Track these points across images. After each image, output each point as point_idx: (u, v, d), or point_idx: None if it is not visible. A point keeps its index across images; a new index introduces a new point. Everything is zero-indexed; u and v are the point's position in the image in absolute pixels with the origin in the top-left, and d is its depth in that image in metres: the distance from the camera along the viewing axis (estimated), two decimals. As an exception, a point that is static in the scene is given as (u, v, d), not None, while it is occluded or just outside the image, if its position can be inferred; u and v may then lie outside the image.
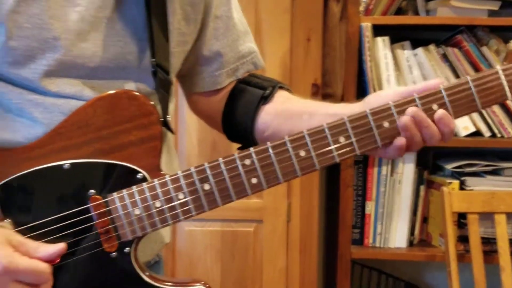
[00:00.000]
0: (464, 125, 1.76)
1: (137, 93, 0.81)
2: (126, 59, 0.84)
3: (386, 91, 0.83)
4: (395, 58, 1.80)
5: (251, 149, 0.79)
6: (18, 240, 0.74)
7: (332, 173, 1.97)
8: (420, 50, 1.80)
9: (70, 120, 0.79)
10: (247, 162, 0.78)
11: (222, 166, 0.78)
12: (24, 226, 0.77)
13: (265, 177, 0.79)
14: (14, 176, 0.78)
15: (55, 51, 0.79)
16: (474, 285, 1.66)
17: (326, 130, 0.78)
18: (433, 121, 0.78)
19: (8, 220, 0.78)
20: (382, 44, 1.78)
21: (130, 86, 0.85)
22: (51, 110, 0.80)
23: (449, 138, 0.80)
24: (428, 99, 0.78)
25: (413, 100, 0.78)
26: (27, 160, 0.78)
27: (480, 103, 0.79)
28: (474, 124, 1.78)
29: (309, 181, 1.75)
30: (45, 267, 0.73)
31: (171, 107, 0.91)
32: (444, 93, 0.78)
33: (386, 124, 0.78)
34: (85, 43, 0.80)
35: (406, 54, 1.81)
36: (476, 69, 1.78)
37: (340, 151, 0.79)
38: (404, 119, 0.78)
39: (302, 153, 0.79)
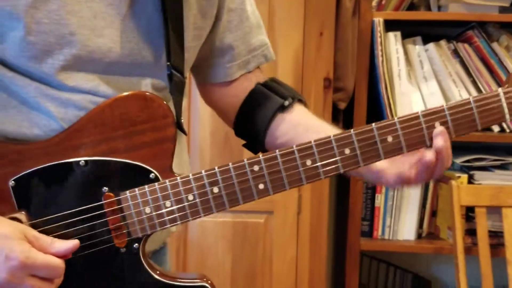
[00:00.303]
0: (473, 120, 1.84)
1: (154, 95, 0.85)
2: (142, 55, 0.88)
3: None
4: (406, 53, 1.89)
5: (260, 156, 0.84)
6: (33, 235, 0.78)
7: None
8: (431, 46, 1.88)
9: (87, 118, 0.84)
10: (256, 168, 0.83)
11: (232, 171, 0.83)
12: (38, 220, 0.82)
13: (272, 183, 0.84)
14: (30, 170, 0.82)
15: (71, 46, 0.83)
16: (481, 277, 1.73)
17: (333, 142, 0.84)
18: (431, 138, 0.84)
19: (23, 212, 0.82)
20: (393, 39, 1.87)
21: (146, 82, 0.89)
22: (66, 105, 0.84)
23: (448, 160, 0.84)
24: (431, 117, 0.83)
25: (417, 117, 0.83)
26: (43, 155, 0.83)
27: (480, 123, 0.84)
28: (484, 119, 1.86)
29: (320, 173, 1.83)
30: (60, 262, 0.78)
31: (184, 101, 0.95)
32: (447, 111, 0.83)
33: (390, 138, 0.83)
34: (101, 39, 0.84)
35: (417, 49, 1.89)
36: (487, 64, 1.87)
37: (344, 163, 0.84)
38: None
39: (309, 163, 0.84)
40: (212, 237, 1.85)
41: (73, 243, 0.80)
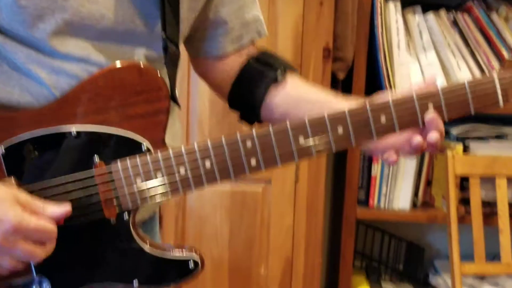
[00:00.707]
0: (470, 91, 1.92)
1: (149, 66, 0.86)
2: (136, 24, 0.89)
3: (387, 94, 0.90)
4: (405, 23, 1.94)
5: (254, 132, 0.86)
6: (25, 199, 0.79)
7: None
8: (431, 16, 1.93)
9: (80, 87, 0.84)
10: (249, 144, 0.85)
11: (224, 145, 0.85)
12: (27, 188, 0.83)
13: (264, 159, 0.86)
14: (21, 138, 0.83)
15: (63, 11, 0.83)
16: (474, 245, 1.83)
17: (327, 120, 0.86)
18: (423, 119, 0.87)
19: (12, 178, 0.83)
20: (393, 8, 1.92)
21: (139, 52, 0.90)
22: (58, 72, 0.85)
23: (442, 137, 0.87)
24: (426, 99, 0.86)
25: (411, 99, 0.86)
26: (35, 123, 0.84)
27: (474, 107, 0.86)
28: (481, 90, 1.94)
29: (318, 143, 1.89)
30: (53, 227, 0.79)
31: (181, 73, 0.99)
32: (441, 94, 0.86)
33: (383, 119, 0.86)
34: (95, 5, 0.85)
35: (417, 19, 1.94)
36: (485, 36, 1.93)
37: (337, 141, 0.86)
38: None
39: (301, 140, 0.85)
40: (210, 206, 1.92)
41: (66, 208, 0.81)
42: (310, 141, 0.86)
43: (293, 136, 0.85)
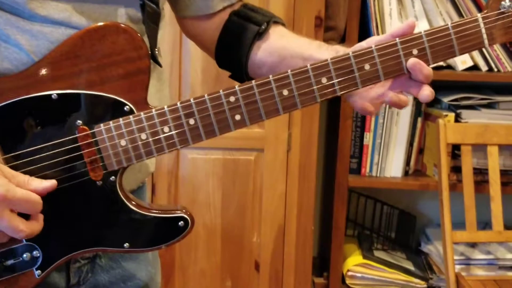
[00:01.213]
0: (462, 59, 1.96)
1: (127, 26, 0.85)
2: None
3: (368, 41, 0.90)
4: (398, -9, 1.98)
5: (236, 87, 0.85)
6: (9, 172, 0.80)
7: (332, 105, 2.17)
8: (423, -16, 1.97)
9: (58, 50, 0.84)
10: (232, 99, 0.85)
11: (208, 102, 0.85)
12: (11, 154, 0.83)
13: (248, 114, 0.86)
14: (1, 105, 0.82)
15: None
16: (465, 213, 1.88)
17: (310, 71, 0.86)
18: (407, 67, 0.87)
19: None
20: (385, -23, 1.95)
21: (121, 12, 0.89)
22: (38, 37, 0.84)
23: (431, 96, 0.87)
24: (409, 44, 0.86)
25: (395, 44, 0.86)
26: (14, 89, 0.83)
27: (458, 49, 0.87)
28: (472, 59, 1.98)
29: (310, 111, 1.92)
30: (38, 198, 0.80)
31: (160, 35, 0.99)
32: (424, 38, 0.86)
33: (367, 66, 0.86)
34: None
35: (409, -13, 1.98)
36: (477, 4, 1.96)
37: (321, 92, 0.86)
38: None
39: (285, 92, 0.86)
40: (203, 173, 1.97)
41: (51, 182, 0.82)
42: (295, 93, 0.86)
43: (276, 88, 0.86)
